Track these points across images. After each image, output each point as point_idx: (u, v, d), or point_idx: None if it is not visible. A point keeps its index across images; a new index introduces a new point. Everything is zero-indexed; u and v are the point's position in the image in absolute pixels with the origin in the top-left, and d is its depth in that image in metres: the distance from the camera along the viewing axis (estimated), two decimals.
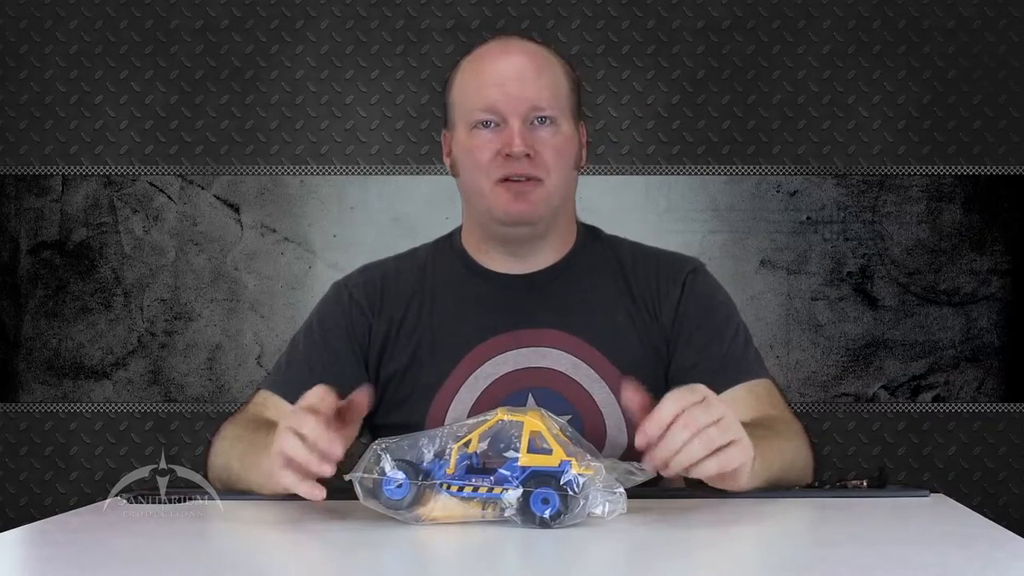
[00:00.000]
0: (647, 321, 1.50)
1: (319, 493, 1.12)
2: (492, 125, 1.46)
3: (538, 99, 1.45)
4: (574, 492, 1.07)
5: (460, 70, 1.52)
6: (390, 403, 1.51)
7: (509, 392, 1.47)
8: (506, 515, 1.08)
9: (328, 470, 1.12)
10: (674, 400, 1.12)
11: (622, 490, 1.09)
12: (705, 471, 1.12)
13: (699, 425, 1.11)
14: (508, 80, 1.46)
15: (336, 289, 1.57)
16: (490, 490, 1.08)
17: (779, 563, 1.01)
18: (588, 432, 1.42)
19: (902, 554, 1.00)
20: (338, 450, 1.12)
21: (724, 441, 1.12)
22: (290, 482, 1.13)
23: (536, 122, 1.46)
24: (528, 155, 1.44)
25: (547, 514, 1.07)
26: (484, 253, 1.54)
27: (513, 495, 1.07)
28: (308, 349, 1.52)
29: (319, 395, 1.16)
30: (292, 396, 1.46)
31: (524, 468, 1.08)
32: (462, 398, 1.47)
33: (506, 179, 1.45)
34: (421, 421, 1.47)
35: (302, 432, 1.12)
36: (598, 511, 1.07)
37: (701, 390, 1.14)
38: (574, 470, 1.07)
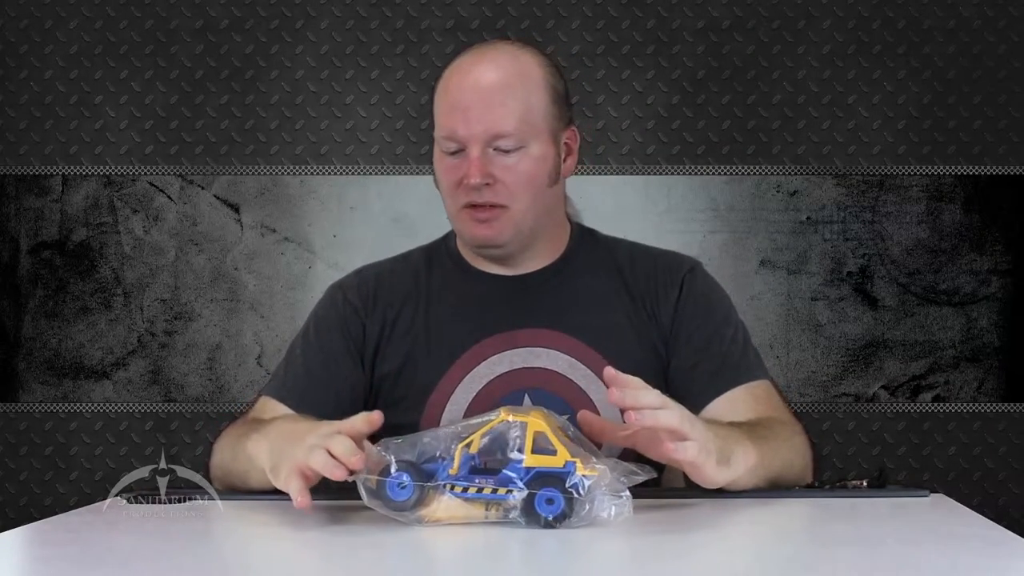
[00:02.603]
0: (645, 321, 1.50)
1: (305, 500, 1.13)
2: (455, 151, 1.43)
3: (501, 126, 1.41)
4: (579, 494, 1.06)
5: (440, 82, 1.49)
6: (385, 404, 1.50)
7: (505, 393, 1.46)
8: (510, 516, 1.08)
9: (342, 475, 1.12)
10: (631, 383, 1.17)
11: (627, 493, 1.08)
12: (638, 419, 1.14)
13: (648, 401, 1.15)
14: (470, 105, 1.41)
15: (331, 291, 1.58)
16: (494, 491, 1.08)
17: (779, 563, 1.01)
18: (585, 432, 1.42)
19: (902, 554, 1.00)
20: (360, 465, 1.12)
21: (671, 423, 1.15)
22: (295, 487, 1.13)
23: (500, 148, 1.42)
24: (488, 184, 1.41)
25: (551, 515, 1.07)
26: (476, 258, 1.54)
27: (518, 496, 1.07)
28: (305, 352, 1.52)
29: (364, 421, 1.16)
30: (290, 399, 1.47)
31: (528, 469, 1.08)
32: (457, 399, 1.47)
33: (471, 205, 1.44)
34: (416, 421, 1.47)
35: (332, 450, 1.12)
36: (604, 515, 1.07)
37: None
38: (579, 472, 1.07)
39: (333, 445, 1.12)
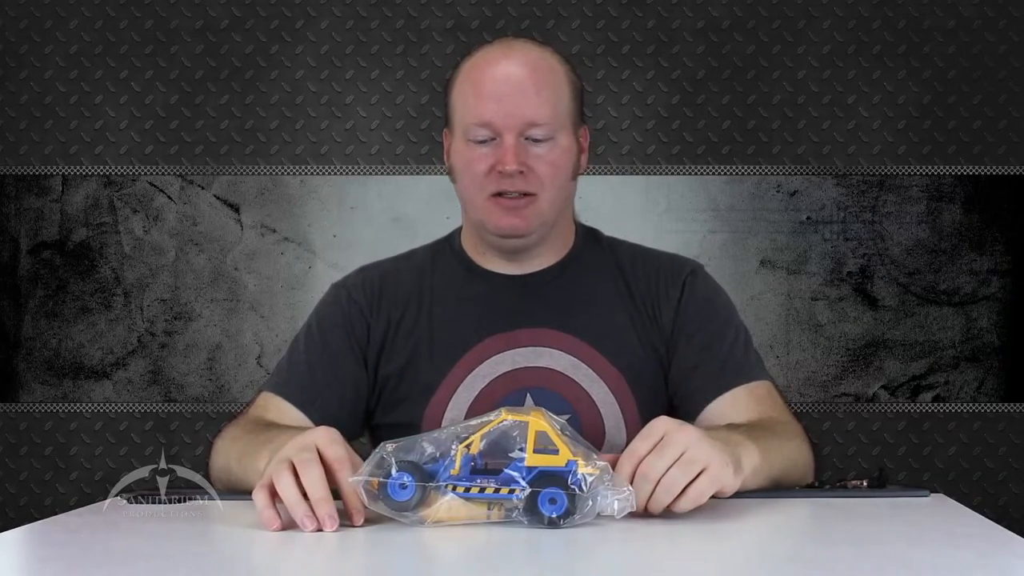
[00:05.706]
0: (646, 323, 1.50)
1: (275, 523, 1.09)
2: (487, 140, 1.44)
3: (535, 115, 1.43)
4: (582, 491, 1.06)
5: (460, 74, 1.49)
6: (388, 403, 1.51)
7: (507, 392, 1.47)
8: (513, 516, 1.08)
9: (311, 525, 1.08)
10: (630, 455, 1.12)
11: (630, 488, 1.09)
12: (681, 508, 1.11)
13: (658, 473, 1.10)
14: (505, 94, 1.43)
15: (334, 290, 1.57)
16: (497, 490, 1.08)
17: (779, 563, 1.01)
18: (587, 431, 1.42)
19: (902, 554, 1.00)
20: (328, 522, 1.08)
21: (689, 477, 1.10)
22: (261, 503, 1.10)
23: (532, 138, 1.44)
24: (521, 172, 1.43)
25: (555, 514, 1.07)
26: (483, 255, 1.54)
27: (520, 495, 1.07)
28: (308, 350, 1.52)
29: (329, 437, 1.13)
30: (293, 397, 1.47)
31: (531, 468, 1.08)
32: (460, 398, 1.47)
33: (499, 194, 1.44)
34: (419, 421, 1.47)
35: (304, 480, 1.09)
36: (608, 511, 1.07)
37: (657, 431, 1.12)
38: (581, 469, 1.07)
39: (306, 474, 1.09)
